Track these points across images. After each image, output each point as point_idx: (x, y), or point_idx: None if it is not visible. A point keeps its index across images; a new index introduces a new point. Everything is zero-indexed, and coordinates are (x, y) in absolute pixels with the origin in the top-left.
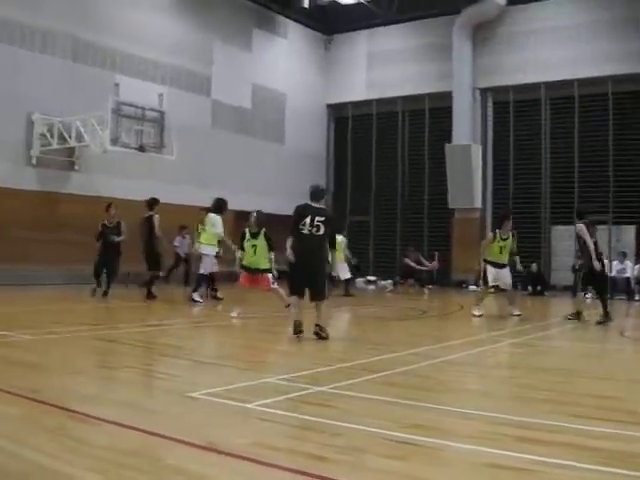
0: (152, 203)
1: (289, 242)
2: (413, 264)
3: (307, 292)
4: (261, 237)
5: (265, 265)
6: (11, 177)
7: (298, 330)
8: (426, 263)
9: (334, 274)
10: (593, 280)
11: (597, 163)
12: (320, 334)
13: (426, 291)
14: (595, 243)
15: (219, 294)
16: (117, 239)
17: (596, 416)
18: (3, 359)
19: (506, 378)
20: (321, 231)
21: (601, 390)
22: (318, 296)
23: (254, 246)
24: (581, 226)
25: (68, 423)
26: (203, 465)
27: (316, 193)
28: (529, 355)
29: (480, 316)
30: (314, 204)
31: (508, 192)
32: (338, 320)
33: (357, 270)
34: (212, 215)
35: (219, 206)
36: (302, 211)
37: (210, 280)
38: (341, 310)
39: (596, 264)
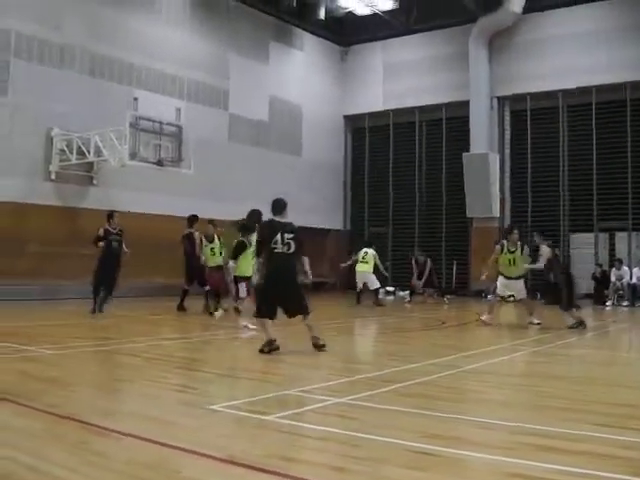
0: (192, 220)
1: (257, 263)
2: (415, 277)
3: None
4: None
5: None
6: (30, 192)
7: (274, 348)
8: (420, 279)
9: (360, 286)
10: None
11: (615, 170)
12: (319, 344)
13: (446, 301)
14: (557, 257)
15: (240, 307)
16: (124, 251)
17: (619, 425)
18: (24, 374)
19: (527, 387)
20: (292, 249)
21: (623, 399)
22: (302, 311)
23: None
24: (548, 250)
25: (88, 437)
26: (222, 478)
27: (278, 207)
28: (550, 364)
29: (489, 324)
30: (280, 219)
31: (526, 200)
32: (357, 331)
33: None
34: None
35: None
36: (271, 228)
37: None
38: (360, 321)
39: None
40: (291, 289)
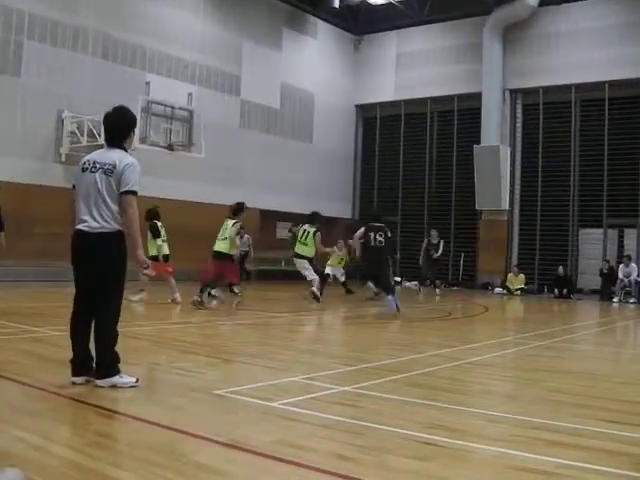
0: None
1: None
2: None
3: None
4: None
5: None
6: (40, 174)
7: None
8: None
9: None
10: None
11: (626, 166)
12: None
13: (438, 291)
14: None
15: (236, 289)
16: None
17: (626, 421)
18: (31, 354)
19: (532, 381)
20: None
21: (629, 395)
22: None
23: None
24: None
25: (94, 418)
26: (227, 462)
27: None
28: (555, 358)
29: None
30: None
31: (536, 194)
32: (360, 320)
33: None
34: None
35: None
36: None
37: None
38: (363, 310)
39: None
40: None
